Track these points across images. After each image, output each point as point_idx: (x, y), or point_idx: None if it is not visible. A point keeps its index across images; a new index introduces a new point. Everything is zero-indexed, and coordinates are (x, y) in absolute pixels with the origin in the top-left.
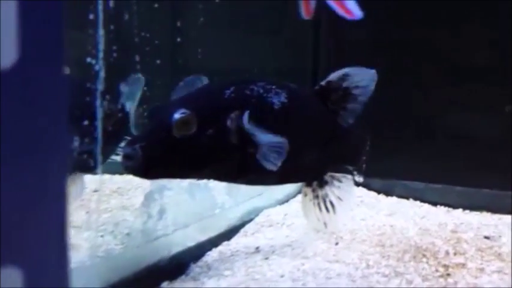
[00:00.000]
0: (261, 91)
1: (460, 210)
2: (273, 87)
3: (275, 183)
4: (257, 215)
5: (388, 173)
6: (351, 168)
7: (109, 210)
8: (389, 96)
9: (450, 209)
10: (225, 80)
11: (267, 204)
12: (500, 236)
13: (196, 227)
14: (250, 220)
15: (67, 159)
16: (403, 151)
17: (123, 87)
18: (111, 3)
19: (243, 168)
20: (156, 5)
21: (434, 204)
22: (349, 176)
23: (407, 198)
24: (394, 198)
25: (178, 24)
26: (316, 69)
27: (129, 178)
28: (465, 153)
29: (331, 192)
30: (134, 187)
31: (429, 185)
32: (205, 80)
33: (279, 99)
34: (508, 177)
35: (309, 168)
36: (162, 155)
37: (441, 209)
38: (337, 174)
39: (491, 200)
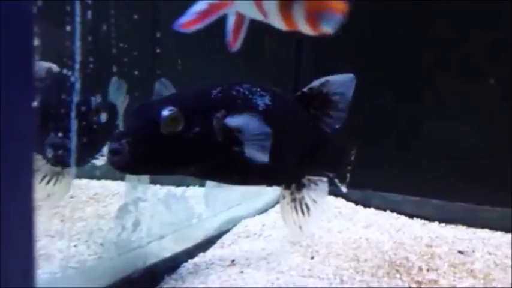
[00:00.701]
0: (247, 93)
1: (436, 223)
2: (258, 89)
3: (256, 184)
4: (235, 225)
5: (366, 184)
6: (330, 175)
7: (84, 218)
8: (369, 108)
9: (426, 222)
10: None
11: (246, 214)
12: (473, 251)
13: (172, 238)
14: (228, 230)
15: (32, 166)
16: (382, 163)
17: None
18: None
19: (227, 167)
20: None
21: (411, 216)
22: (325, 179)
23: (384, 209)
24: (372, 210)
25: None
26: (297, 80)
27: (106, 184)
28: (443, 166)
29: (308, 195)
30: (111, 193)
31: (406, 197)
32: (167, 83)
33: (263, 101)
34: (485, 191)
35: (289, 171)
36: (149, 151)
37: (417, 222)
38: (314, 178)
39: (467, 213)
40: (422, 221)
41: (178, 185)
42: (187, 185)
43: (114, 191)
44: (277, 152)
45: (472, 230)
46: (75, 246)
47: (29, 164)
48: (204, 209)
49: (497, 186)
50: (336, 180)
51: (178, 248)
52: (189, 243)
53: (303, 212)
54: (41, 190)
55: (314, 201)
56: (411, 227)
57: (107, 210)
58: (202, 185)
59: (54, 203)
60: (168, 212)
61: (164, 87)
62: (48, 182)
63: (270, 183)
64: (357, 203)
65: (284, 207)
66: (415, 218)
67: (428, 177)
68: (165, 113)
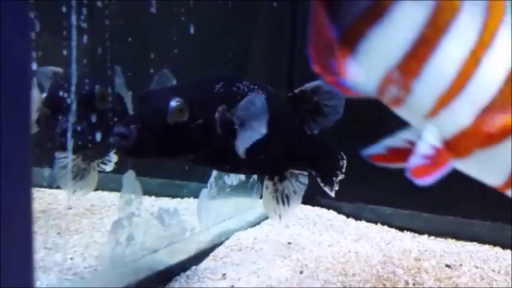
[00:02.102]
0: (246, 90)
1: (426, 236)
2: (256, 87)
3: (244, 172)
4: (228, 238)
5: (358, 197)
6: (313, 173)
7: (80, 231)
8: (359, 119)
9: (416, 235)
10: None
11: (238, 227)
12: (461, 265)
13: (165, 252)
14: (221, 243)
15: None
16: (374, 175)
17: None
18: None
19: (221, 156)
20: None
21: (401, 229)
22: (305, 173)
23: (375, 222)
24: (363, 222)
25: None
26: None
27: (103, 195)
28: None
29: (289, 186)
30: (108, 205)
31: (397, 210)
32: (167, 74)
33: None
34: (475, 205)
35: (273, 163)
36: (155, 139)
37: (407, 235)
38: (296, 172)
39: (457, 226)
40: (413, 234)
41: (173, 196)
42: (182, 197)
43: (110, 203)
44: (265, 146)
45: (461, 243)
46: (71, 259)
47: (28, 172)
48: (197, 222)
49: (488, 200)
50: (319, 180)
51: (171, 261)
52: (182, 256)
53: (283, 202)
54: (68, 186)
55: (294, 192)
56: (401, 240)
57: (102, 222)
58: (197, 197)
59: (87, 191)
60: (162, 226)
61: (165, 79)
62: (74, 177)
63: (255, 173)
64: (348, 216)
65: (266, 197)
66: (405, 231)
67: (419, 190)
68: (173, 103)
